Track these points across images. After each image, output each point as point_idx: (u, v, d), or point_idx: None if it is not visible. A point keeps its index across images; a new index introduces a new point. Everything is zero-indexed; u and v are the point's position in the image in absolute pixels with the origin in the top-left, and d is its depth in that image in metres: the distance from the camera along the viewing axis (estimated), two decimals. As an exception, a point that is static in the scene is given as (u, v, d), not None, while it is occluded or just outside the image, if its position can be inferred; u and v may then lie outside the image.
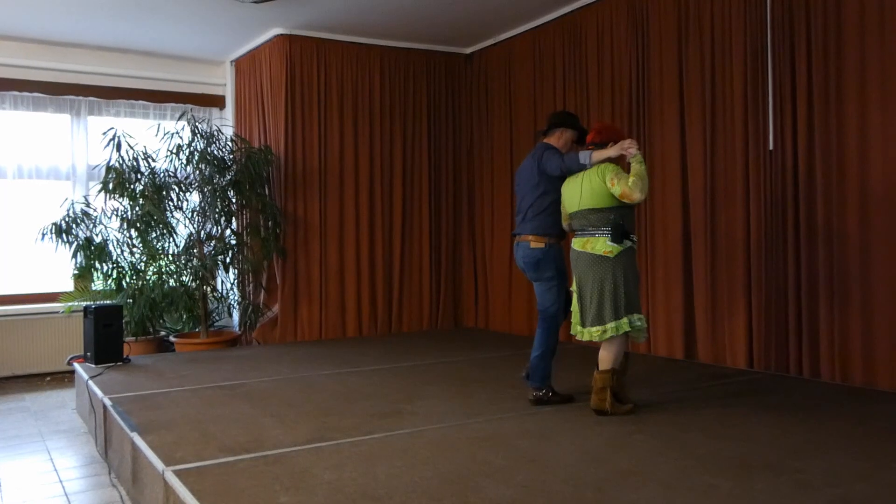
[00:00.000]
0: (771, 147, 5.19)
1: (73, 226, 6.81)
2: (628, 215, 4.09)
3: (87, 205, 6.99)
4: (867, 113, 4.70)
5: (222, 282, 7.63)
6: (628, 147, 4.03)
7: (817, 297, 4.95)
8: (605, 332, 4.01)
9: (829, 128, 4.88)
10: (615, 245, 4.00)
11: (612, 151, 4.05)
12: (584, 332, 4.10)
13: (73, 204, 6.92)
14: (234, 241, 7.43)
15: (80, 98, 7.59)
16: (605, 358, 4.08)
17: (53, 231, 6.74)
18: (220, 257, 7.28)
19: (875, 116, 4.66)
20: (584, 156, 4.08)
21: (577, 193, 4.12)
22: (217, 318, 7.78)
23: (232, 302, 7.62)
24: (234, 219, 7.56)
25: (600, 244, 4.04)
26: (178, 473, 3.11)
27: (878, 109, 4.64)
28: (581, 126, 4.52)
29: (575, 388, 4.54)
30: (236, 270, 7.57)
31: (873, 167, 4.67)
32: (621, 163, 4.21)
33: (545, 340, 4.34)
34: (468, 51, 8.16)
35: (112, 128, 6.96)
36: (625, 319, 4.00)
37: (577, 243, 4.17)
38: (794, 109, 5.09)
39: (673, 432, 3.69)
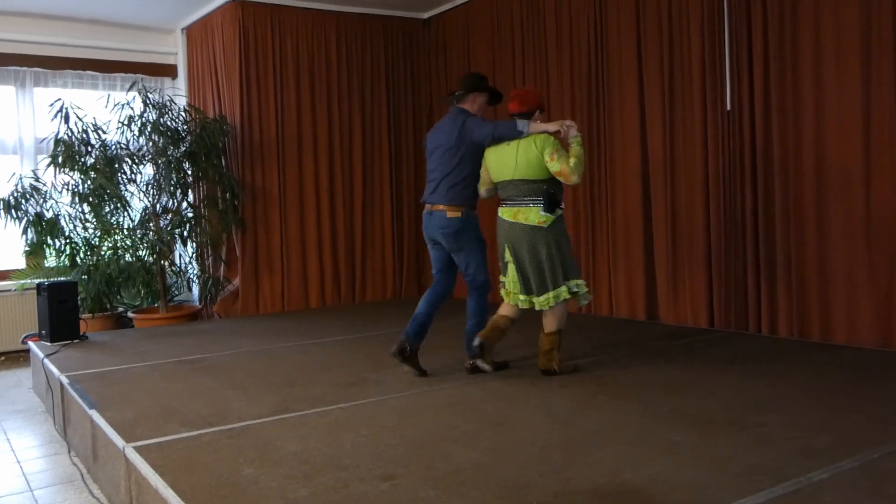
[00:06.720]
0: (728, 107, 5.21)
1: (23, 201, 6.60)
2: (558, 185, 4.04)
3: (37, 179, 6.78)
4: (822, 72, 4.73)
5: (180, 255, 7.50)
6: (569, 126, 3.96)
7: (775, 255, 5.02)
8: (547, 300, 4.00)
9: (785, 87, 4.92)
10: (548, 215, 3.96)
11: (551, 126, 3.96)
12: (528, 301, 4.05)
13: (21, 178, 6.70)
14: (191, 214, 7.29)
15: (25, 69, 7.30)
16: (550, 321, 4.10)
17: (2, 207, 6.52)
18: (177, 230, 7.14)
19: (830, 75, 4.69)
20: (521, 124, 3.95)
21: (511, 162, 4.01)
22: (176, 292, 7.66)
23: (191, 276, 7.51)
24: (190, 191, 7.40)
25: (533, 214, 3.98)
26: (138, 449, 3.05)
27: (832, 68, 4.68)
28: (491, 87, 4.37)
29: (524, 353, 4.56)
30: (194, 244, 7.43)
31: (828, 124, 4.72)
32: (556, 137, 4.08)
33: (480, 309, 4.30)
34: (425, 15, 8.04)
35: (59, 99, 6.74)
36: (563, 287, 4.00)
37: (506, 213, 4.08)
38: (750, 69, 5.11)
39: (636, 391, 3.72)
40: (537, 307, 4.05)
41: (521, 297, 4.06)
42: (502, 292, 4.18)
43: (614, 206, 6.10)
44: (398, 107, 8.03)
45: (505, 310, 4.16)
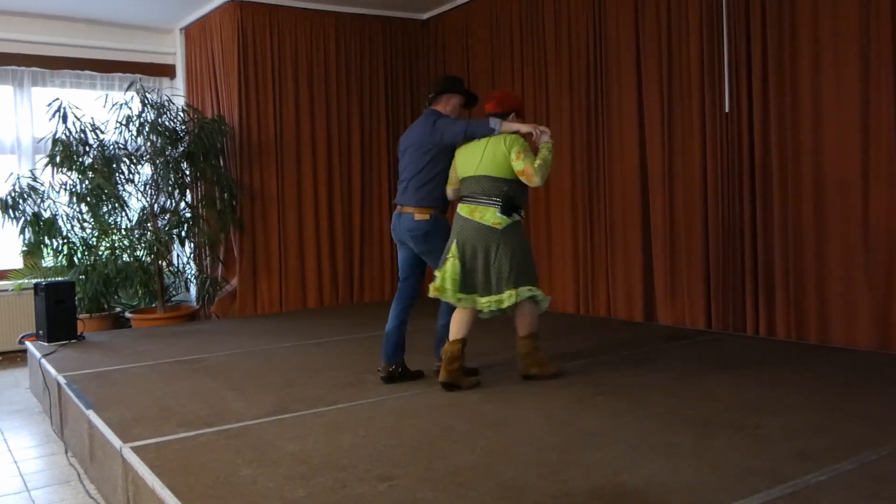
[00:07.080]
0: (727, 110, 5.22)
1: (20, 201, 6.60)
2: (521, 190, 3.96)
3: (34, 179, 6.78)
4: (821, 74, 4.74)
5: (178, 256, 7.48)
6: (542, 132, 3.92)
7: (773, 256, 5.03)
8: (489, 302, 3.87)
9: (783, 89, 4.92)
10: (504, 217, 3.87)
11: (524, 127, 3.90)
12: (470, 300, 3.92)
13: (18, 178, 6.70)
14: (189, 214, 7.28)
15: (23, 68, 7.30)
16: (521, 325, 4.04)
17: (-1, 206, 6.53)
18: (175, 231, 7.13)
19: (828, 77, 4.70)
20: (493, 122, 3.90)
21: (477, 158, 3.93)
22: (174, 292, 7.65)
23: (189, 276, 7.49)
24: (188, 191, 7.40)
25: (489, 214, 3.88)
26: (136, 450, 3.05)
27: (831, 71, 4.68)
28: (466, 90, 4.31)
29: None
30: (192, 244, 7.43)
31: (826, 126, 4.72)
32: (527, 140, 4.00)
33: (452, 309, 4.15)
34: (424, 16, 8.04)
35: (57, 99, 6.73)
36: (506, 293, 3.84)
37: (463, 209, 3.98)
38: (749, 72, 5.11)
39: (634, 393, 3.73)
40: (478, 307, 3.93)
41: (460, 295, 3.91)
42: (432, 287, 3.96)
43: (612, 207, 6.10)
44: (396, 107, 8.03)
45: (454, 332, 3.97)
